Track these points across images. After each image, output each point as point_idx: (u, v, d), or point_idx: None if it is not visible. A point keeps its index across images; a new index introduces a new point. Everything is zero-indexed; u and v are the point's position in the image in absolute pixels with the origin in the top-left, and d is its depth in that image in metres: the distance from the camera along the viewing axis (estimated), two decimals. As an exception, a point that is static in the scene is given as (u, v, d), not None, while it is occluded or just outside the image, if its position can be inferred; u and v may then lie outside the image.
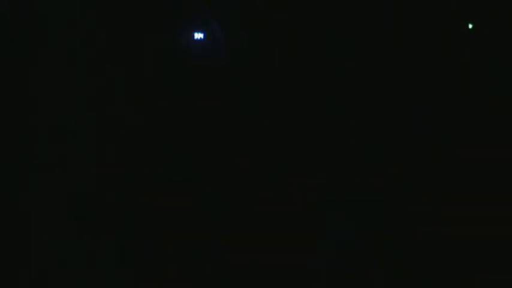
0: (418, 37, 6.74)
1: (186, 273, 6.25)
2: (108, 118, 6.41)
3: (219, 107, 6.67)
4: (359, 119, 6.71)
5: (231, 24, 6.74)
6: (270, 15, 6.75)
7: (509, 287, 6.09)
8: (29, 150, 6.24)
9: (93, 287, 6.11)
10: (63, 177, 6.25)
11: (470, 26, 6.75)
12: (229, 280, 6.24)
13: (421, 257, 6.30)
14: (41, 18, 6.29)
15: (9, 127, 6.24)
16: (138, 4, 6.57)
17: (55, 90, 6.32)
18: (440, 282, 6.17)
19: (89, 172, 6.32)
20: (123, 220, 6.32)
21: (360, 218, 6.43)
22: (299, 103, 6.71)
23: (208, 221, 6.42)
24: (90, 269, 6.13)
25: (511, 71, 6.72)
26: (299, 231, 6.41)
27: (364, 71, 6.75)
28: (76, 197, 6.23)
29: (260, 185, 6.52)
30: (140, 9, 6.57)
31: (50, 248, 6.12)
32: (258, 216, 6.42)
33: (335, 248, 6.28)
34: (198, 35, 6.70)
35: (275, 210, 6.45)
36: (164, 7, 6.64)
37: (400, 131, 6.68)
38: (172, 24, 6.65)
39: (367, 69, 6.75)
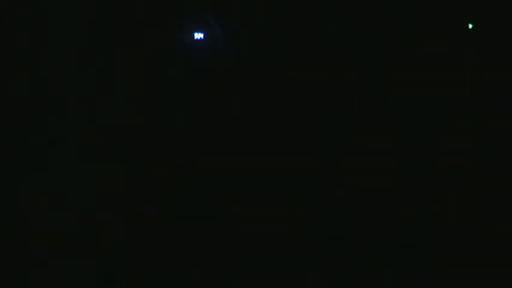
0: (418, 37, 6.75)
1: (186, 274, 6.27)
2: (107, 118, 6.42)
3: (219, 106, 6.68)
4: (359, 118, 6.72)
5: (231, 24, 6.76)
6: (270, 15, 6.76)
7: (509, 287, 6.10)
8: (29, 151, 6.26)
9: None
10: (62, 177, 6.27)
11: (470, 26, 6.76)
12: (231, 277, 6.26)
13: (421, 257, 6.31)
14: (41, 18, 6.31)
15: (8, 127, 6.25)
16: (138, 4, 6.59)
17: (55, 90, 6.34)
18: (440, 282, 6.18)
19: (88, 173, 6.33)
20: (122, 221, 6.33)
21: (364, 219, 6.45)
22: (299, 103, 6.72)
23: (207, 220, 6.44)
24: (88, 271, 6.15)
25: (511, 70, 6.73)
26: (299, 230, 6.42)
27: (364, 70, 6.76)
28: (75, 198, 6.25)
29: (260, 184, 6.53)
30: (140, 9, 6.59)
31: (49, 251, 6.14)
32: (257, 216, 6.43)
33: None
34: (198, 35, 6.71)
35: (275, 210, 6.46)
36: (164, 7, 6.65)
37: (399, 130, 6.69)
38: (172, 24, 6.67)
39: (367, 69, 6.76)
